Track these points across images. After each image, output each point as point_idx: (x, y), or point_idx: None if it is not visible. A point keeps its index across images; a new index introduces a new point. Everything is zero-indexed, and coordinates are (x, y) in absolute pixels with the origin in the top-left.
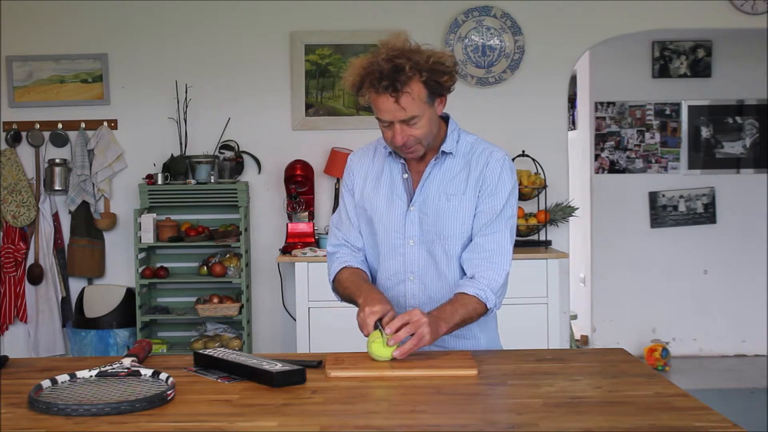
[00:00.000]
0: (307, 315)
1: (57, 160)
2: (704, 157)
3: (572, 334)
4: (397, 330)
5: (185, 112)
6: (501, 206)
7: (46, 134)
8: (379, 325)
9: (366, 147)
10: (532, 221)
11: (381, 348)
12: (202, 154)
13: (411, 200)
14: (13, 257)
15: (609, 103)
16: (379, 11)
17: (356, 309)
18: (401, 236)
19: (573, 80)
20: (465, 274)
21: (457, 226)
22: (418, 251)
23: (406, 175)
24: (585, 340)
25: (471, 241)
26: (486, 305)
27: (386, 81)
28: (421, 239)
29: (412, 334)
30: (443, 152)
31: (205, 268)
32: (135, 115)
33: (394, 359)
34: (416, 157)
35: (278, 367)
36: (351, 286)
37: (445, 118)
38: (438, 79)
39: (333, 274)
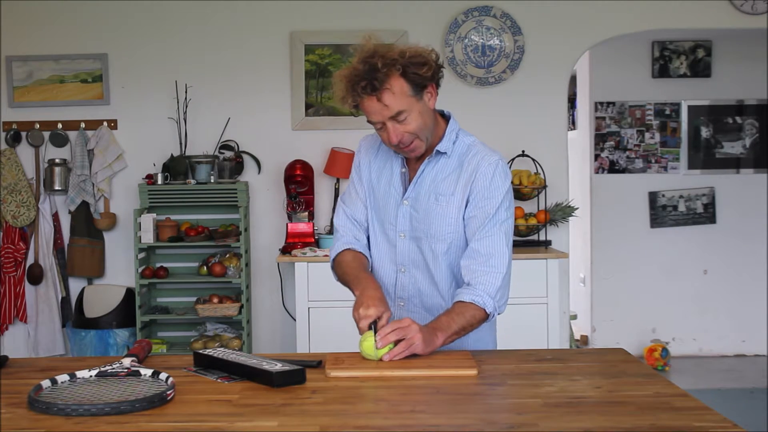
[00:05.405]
0: (307, 315)
1: (57, 160)
2: (704, 157)
3: (572, 334)
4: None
5: (185, 112)
6: (494, 210)
7: (46, 134)
8: (373, 326)
9: (376, 135)
10: (532, 221)
11: (372, 347)
12: (202, 154)
13: (405, 195)
14: (13, 257)
15: (609, 103)
16: (379, 11)
17: (352, 303)
18: (393, 228)
19: (573, 80)
20: (460, 277)
21: (443, 226)
22: (408, 245)
23: (404, 170)
24: (585, 340)
25: (460, 243)
26: (485, 310)
27: (364, 82)
28: (411, 234)
29: (402, 339)
30: (438, 152)
31: (205, 268)
32: (135, 115)
33: (382, 360)
34: (418, 154)
35: (278, 367)
36: (350, 272)
37: (447, 118)
38: (417, 70)
39: (335, 253)
